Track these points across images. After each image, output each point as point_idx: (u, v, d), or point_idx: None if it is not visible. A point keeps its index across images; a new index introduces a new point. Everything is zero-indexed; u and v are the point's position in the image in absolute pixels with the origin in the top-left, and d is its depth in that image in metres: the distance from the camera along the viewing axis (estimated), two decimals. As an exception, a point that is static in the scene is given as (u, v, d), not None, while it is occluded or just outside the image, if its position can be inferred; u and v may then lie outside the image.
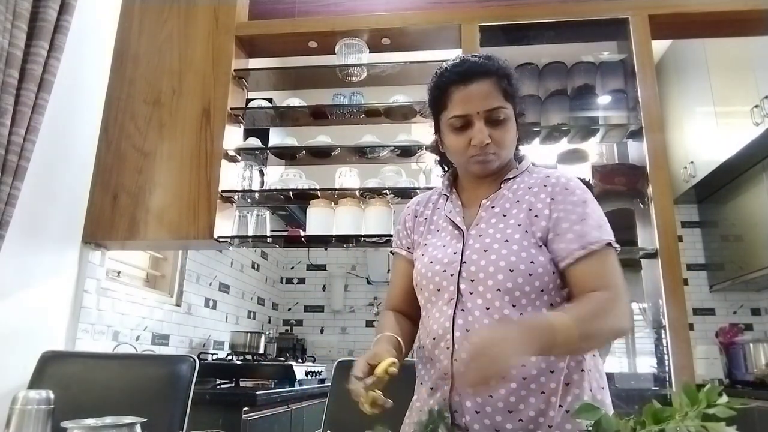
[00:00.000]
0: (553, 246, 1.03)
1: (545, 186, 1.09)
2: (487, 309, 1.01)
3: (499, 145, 1.07)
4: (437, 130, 1.17)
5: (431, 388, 1.07)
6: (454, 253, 1.07)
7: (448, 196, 1.19)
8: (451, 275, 1.06)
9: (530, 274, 1.01)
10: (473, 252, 1.05)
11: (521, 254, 1.01)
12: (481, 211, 1.11)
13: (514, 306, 1.00)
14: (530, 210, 1.06)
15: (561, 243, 1.02)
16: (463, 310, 1.03)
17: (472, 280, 1.03)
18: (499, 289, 1.00)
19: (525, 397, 0.98)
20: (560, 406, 0.98)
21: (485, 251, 1.04)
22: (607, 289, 0.97)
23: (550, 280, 1.02)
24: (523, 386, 0.98)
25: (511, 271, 1.00)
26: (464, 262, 1.05)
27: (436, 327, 1.06)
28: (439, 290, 1.08)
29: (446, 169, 1.26)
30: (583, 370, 1.02)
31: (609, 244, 1.02)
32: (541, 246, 1.03)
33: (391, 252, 1.29)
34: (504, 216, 1.08)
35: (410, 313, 1.20)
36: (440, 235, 1.15)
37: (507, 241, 1.04)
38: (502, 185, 1.13)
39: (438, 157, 1.26)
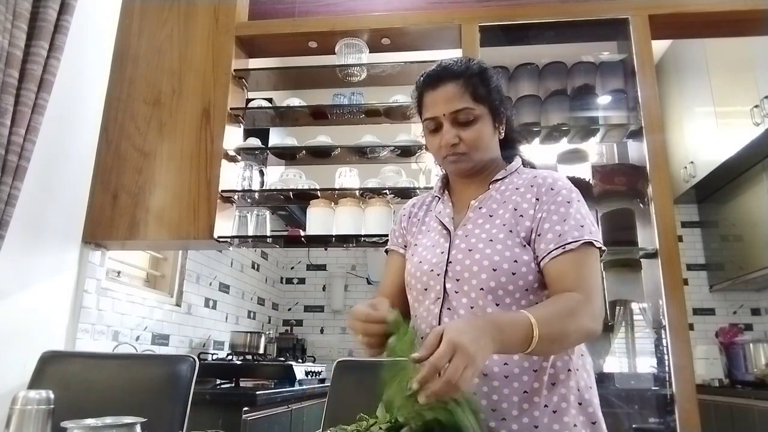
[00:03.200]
0: (534, 245, 1.04)
1: (532, 186, 1.10)
2: (472, 308, 1.02)
3: (469, 145, 1.09)
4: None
5: None
6: (441, 253, 1.09)
7: (440, 198, 1.22)
8: (438, 275, 1.07)
9: (513, 273, 1.01)
10: (459, 252, 1.07)
11: (505, 254, 1.02)
12: (470, 211, 1.13)
13: (497, 305, 1.01)
14: (516, 210, 1.08)
15: (541, 243, 1.03)
16: (449, 308, 1.05)
17: (458, 280, 1.04)
18: (482, 288, 1.01)
19: (508, 395, 0.98)
20: (546, 406, 0.98)
21: (470, 251, 1.05)
22: (580, 290, 0.97)
23: (534, 279, 1.03)
24: (506, 384, 0.98)
25: (495, 270, 1.01)
26: (450, 262, 1.07)
27: (424, 326, 1.08)
28: (426, 289, 1.09)
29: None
30: (569, 370, 1.02)
31: (590, 244, 1.01)
32: (525, 246, 1.04)
33: (385, 251, 1.30)
34: (490, 216, 1.09)
35: (400, 307, 1.20)
36: (430, 235, 1.17)
37: (491, 240, 1.05)
38: (490, 186, 1.15)
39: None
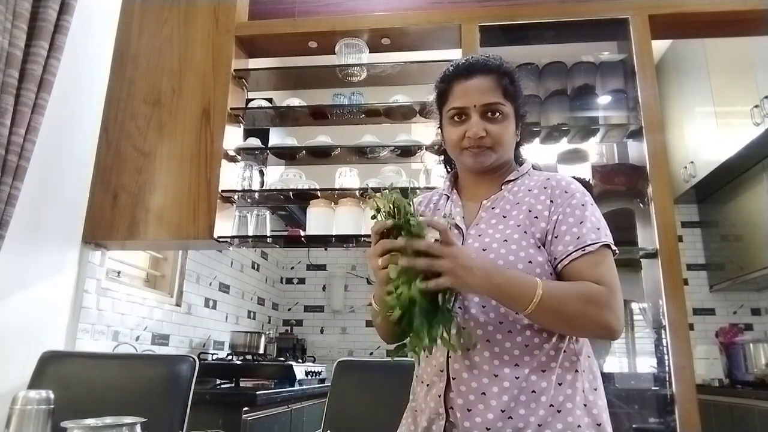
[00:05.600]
0: (551, 248, 1.04)
1: (545, 188, 1.10)
2: (484, 307, 1.02)
3: (495, 139, 1.09)
4: (440, 125, 1.20)
5: (427, 385, 1.08)
6: None
7: (449, 197, 1.21)
8: None
9: (528, 274, 1.01)
10: (472, 251, 1.06)
11: (519, 254, 1.03)
12: (481, 211, 1.13)
13: None
14: (530, 211, 1.08)
15: (559, 245, 1.03)
16: (460, 307, 1.04)
17: None
18: None
19: (517, 396, 0.98)
20: (551, 405, 0.98)
21: (484, 250, 1.05)
22: (604, 285, 0.98)
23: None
24: (516, 385, 0.98)
25: None
26: None
27: None
28: None
29: (449, 169, 1.28)
30: (576, 371, 1.03)
31: (606, 246, 1.03)
32: (539, 247, 1.04)
33: None
34: (504, 217, 1.09)
35: None
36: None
37: (506, 240, 1.05)
38: (502, 187, 1.15)
39: (442, 157, 1.29)
